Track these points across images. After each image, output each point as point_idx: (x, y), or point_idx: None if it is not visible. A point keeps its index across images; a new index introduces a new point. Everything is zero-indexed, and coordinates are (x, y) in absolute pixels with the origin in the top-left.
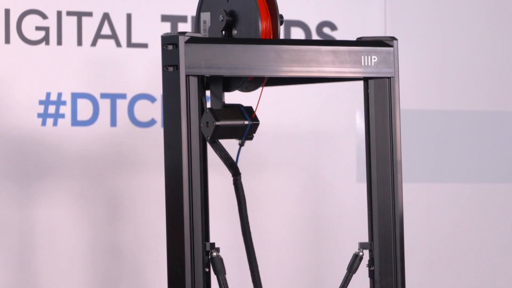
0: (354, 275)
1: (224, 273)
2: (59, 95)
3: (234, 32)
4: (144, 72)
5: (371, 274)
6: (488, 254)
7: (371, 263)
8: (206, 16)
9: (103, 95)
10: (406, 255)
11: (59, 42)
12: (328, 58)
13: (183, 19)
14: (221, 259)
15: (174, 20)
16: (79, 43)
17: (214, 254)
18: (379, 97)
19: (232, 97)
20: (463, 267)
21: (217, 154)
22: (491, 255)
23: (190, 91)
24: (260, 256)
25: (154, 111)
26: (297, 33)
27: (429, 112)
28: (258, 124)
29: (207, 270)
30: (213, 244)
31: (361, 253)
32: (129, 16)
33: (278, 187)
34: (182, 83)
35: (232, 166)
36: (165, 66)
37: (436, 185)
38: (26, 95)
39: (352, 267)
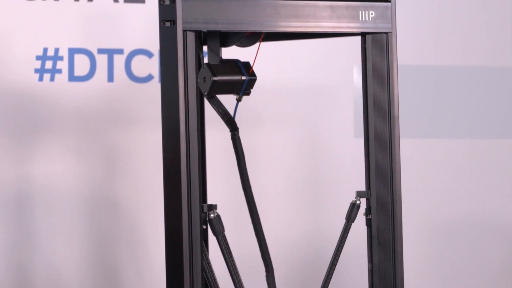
0: (352, 226)
1: (223, 229)
2: (56, 50)
3: None
4: (141, 28)
5: (368, 223)
6: (484, 208)
7: (368, 212)
8: None
9: (100, 51)
10: (402, 210)
11: None
12: (326, 13)
13: None
14: (218, 216)
15: None
16: None
17: (212, 215)
18: (377, 52)
19: (229, 53)
20: (460, 222)
21: (215, 110)
22: (487, 209)
23: (187, 47)
24: (259, 210)
25: (151, 66)
26: None
27: (427, 68)
28: (255, 80)
29: (204, 227)
30: (210, 205)
31: (358, 202)
32: None
33: (276, 142)
34: (179, 38)
35: (230, 121)
36: (162, 21)
37: (433, 140)
38: (23, 50)
39: (350, 216)
